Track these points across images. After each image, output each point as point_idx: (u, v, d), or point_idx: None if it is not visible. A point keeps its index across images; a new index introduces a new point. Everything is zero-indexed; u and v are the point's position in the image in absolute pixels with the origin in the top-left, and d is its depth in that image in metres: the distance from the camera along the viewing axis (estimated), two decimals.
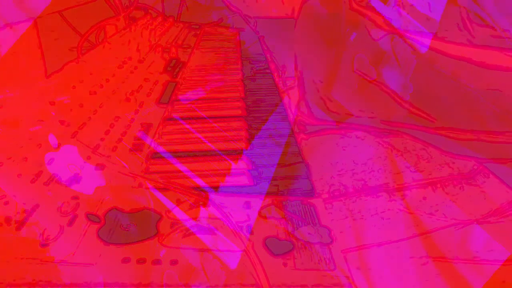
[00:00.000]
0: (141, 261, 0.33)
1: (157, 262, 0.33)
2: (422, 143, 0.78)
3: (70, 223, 0.36)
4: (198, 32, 1.26)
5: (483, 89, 0.72)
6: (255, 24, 1.49)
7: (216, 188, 0.45)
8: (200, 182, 0.48)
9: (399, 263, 0.68)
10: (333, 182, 0.74)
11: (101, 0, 1.30)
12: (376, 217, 0.72)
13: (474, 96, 0.73)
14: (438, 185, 0.73)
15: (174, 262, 0.33)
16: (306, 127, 0.91)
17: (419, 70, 0.76)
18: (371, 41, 0.79)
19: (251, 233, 0.37)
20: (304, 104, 0.93)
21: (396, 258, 0.68)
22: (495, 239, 0.69)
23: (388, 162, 0.76)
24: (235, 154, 0.53)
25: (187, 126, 0.62)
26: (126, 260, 0.33)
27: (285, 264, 0.33)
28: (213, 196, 0.38)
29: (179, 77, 0.81)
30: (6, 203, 0.37)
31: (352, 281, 0.33)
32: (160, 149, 0.56)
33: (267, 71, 0.89)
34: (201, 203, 0.39)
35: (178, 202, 0.40)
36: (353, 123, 0.84)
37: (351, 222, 0.72)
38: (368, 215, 0.72)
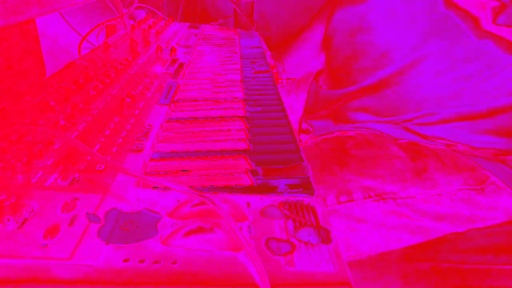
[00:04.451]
0: (141, 261, 0.33)
1: (157, 262, 0.33)
2: (434, 150, 0.76)
3: (70, 223, 0.36)
4: (198, 32, 1.26)
5: None
6: (256, 25, 1.49)
7: (216, 188, 0.45)
8: (200, 182, 0.48)
9: (401, 268, 0.67)
10: (340, 186, 0.73)
11: (101, 0, 1.30)
12: (380, 223, 0.71)
13: None
14: (446, 194, 0.71)
15: (174, 262, 0.33)
16: (314, 127, 0.89)
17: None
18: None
19: (251, 233, 0.37)
20: (313, 104, 0.92)
21: (399, 264, 0.67)
22: (502, 249, 0.67)
23: (397, 167, 0.74)
24: (235, 154, 0.53)
25: (187, 126, 0.62)
26: (126, 260, 0.33)
27: (285, 264, 0.33)
28: (213, 196, 0.38)
29: (179, 77, 0.81)
30: (6, 203, 0.37)
31: (352, 282, 0.33)
32: (160, 149, 0.56)
33: (267, 71, 0.89)
34: (201, 203, 0.39)
35: (178, 202, 0.40)
36: (364, 126, 0.82)
37: (356, 226, 0.71)
38: (372, 221, 0.71)
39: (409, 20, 0.78)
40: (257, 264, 0.32)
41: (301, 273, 0.33)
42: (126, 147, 0.52)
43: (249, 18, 1.45)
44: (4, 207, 0.37)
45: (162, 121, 0.61)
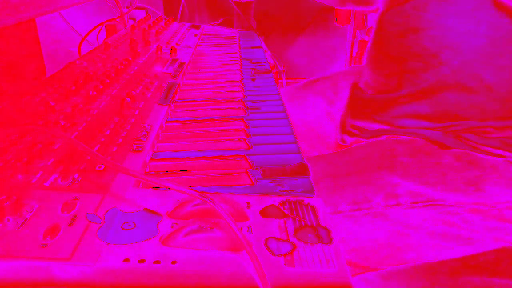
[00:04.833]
0: (141, 261, 0.33)
1: (157, 262, 0.33)
2: (489, 161, 0.71)
3: (70, 223, 0.36)
4: (198, 32, 1.26)
5: None
6: (256, 24, 1.49)
7: (216, 188, 0.45)
8: (200, 182, 0.48)
9: (450, 282, 0.63)
10: (387, 189, 0.69)
11: (101, 0, 1.30)
12: (427, 231, 0.67)
13: None
14: (501, 207, 0.67)
15: (174, 262, 0.33)
16: (361, 130, 0.84)
17: None
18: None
19: (251, 233, 0.37)
20: (356, 106, 0.87)
21: (447, 277, 0.63)
22: None
23: (449, 176, 0.68)
24: (235, 154, 0.53)
25: (187, 126, 0.62)
26: (126, 260, 0.33)
27: (285, 265, 0.33)
28: (213, 196, 0.38)
29: (179, 77, 0.81)
30: (6, 203, 0.37)
31: (352, 282, 0.33)
32: (160, 149, 0.56)
33: (267, 71, 0.89)
34: (201, 203, 0.39)
35: (178, 202, 0.40)
36: (415, 131, 0.76)
37: (402, 231, 0.67)
38: (420, 227, 0.67)
39: (464, 18, 0.72)
40: (257, 264, 0.32)
41: (301, 273, 0.33)
42: (126, 147, 0.52)
43: (249, 18, 1.45)
44: (4, 207, 0.37)
45: (162, 121, 0.61)
